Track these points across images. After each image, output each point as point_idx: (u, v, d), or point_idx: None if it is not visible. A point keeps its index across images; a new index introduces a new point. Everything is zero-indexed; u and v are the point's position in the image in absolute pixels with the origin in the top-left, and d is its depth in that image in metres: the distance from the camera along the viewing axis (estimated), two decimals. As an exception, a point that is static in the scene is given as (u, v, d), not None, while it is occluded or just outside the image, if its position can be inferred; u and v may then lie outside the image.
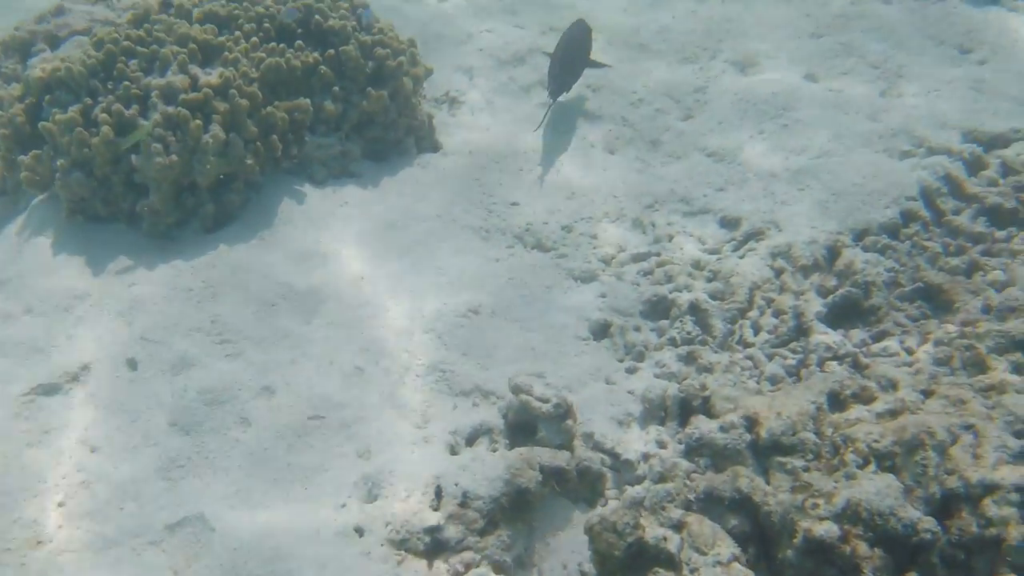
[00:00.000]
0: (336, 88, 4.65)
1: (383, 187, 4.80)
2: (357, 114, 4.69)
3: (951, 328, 3.69)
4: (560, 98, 5.14)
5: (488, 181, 4.83)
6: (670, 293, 4.16)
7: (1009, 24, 5.79)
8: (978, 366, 3.47)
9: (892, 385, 3.49)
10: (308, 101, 4.47)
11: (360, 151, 4.84)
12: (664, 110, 5.38)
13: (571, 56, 5.15)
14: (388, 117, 4.81)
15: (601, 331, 4.09)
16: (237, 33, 4.59)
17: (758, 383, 3.68)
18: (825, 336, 3.77)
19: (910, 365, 3.62)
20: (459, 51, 6.01)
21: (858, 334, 3.85)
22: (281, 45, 4.59)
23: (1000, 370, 3.40)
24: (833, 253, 4.31)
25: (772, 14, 6.11)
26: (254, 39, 4.57)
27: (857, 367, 3.69)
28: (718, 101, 5.32)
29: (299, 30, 4.71)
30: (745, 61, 5.72)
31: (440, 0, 6.59)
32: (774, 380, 3.65)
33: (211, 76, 4.33)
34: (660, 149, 5.13)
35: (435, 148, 5.18)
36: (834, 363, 3.72)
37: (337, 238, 4.44)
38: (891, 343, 3.76)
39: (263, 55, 4.47)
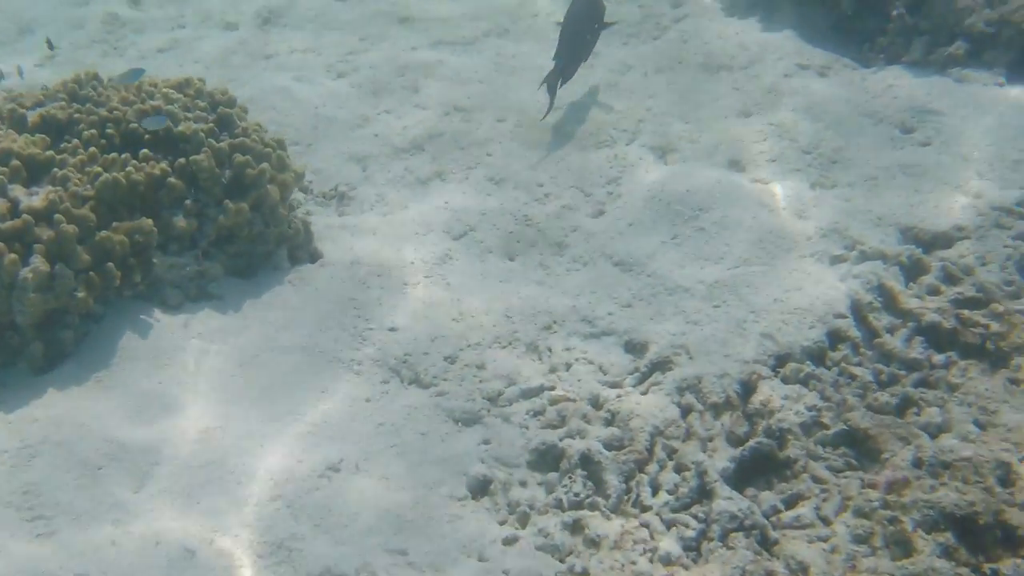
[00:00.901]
0: (189, 202, 4.23)
1: (245, 312, 4.37)
2: (215, 229, 4.26)
3: (873, 495, 3.30)
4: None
5: (367, 300, 4.42)
6: (561, 440, 3.74)
7: (956, 98, 5.46)
8: (902, 546, 3.07)
9: (803, 570, 3.09)
10: (151, 221, 4.06)
11: (222, 269, 4.42)
12: (572, 206, 5.00)
13: (578, 38, 5.52)
14: (253, 230, 4.40)
15: (481, 488, 3.68)
16: (74, 142, 4.16)
17: (651, 562, 3.26)
18: (730, 502, 3.36)
19: (825, 540, 3.23)
20: (353, 136, 5.63)
21: (769, 498, 3.45)
22: (124, 155, 4.17)
23: (927, 553, 3.01)
24: (748, 388, 3.91)
25: (698, 89, 5.75)
26: (92, 149, 4.14)
27: (765, 542, 3.28)
28: (631, 196, 4.96)
29: (146, 135, 4.29)
30: (665, 147, 5.37)
31: (336, 77, 6.20)
32: (668, 559, 3.23)
33: (35, 199, 3.91)
34: (566, 253, 4.75)
35: (313, 257, 4.77)
36: (740, 535, 3.31)
37: (184, 379, 4.01)
38: (806, 510, 3.37)
39: (100, 169, 4.04)
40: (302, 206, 5.17)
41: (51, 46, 5.43)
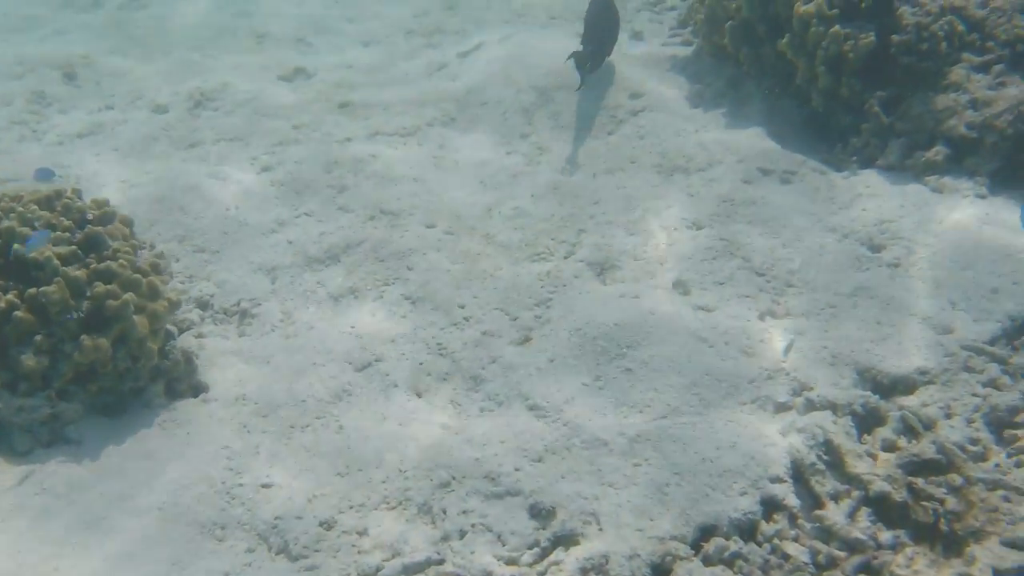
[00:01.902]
0: (39, 337, 3.91)
1: (103, 461, 4.04)
2: (71, 367, 3.93)
3: None
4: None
5: (244, 448, 4.07)
6: (439, 634, 3.34)
7: (932, 211, 5.09)
8: None
9: None
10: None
11: (83, 409, 4.09)
12: (494, 332, 4.66)
13: (601, 34, 6.17)
14: (118, 365, 4.05)
15: None
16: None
17: None
18: None
19: None
20: (265, 243, 5.33)
21: None
22: (-33, 285, 3.86)
23: None
24: (662, 572, 3.51)
25: (649, 195, 5.43)
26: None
27: None
28: (561, 323, 4.60)
29: (-1, 260, 4.00)
30: (606, 263, 5.04)
31: (260, 171, 5.92)
32: None
33: None
34: (481, 389, 4.39)
35: (197, 390, 4.45)
36: None
37: (17, 547, 3.64)
38: None
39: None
40: (195, 327, 4.84)
41: None
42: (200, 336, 4.79)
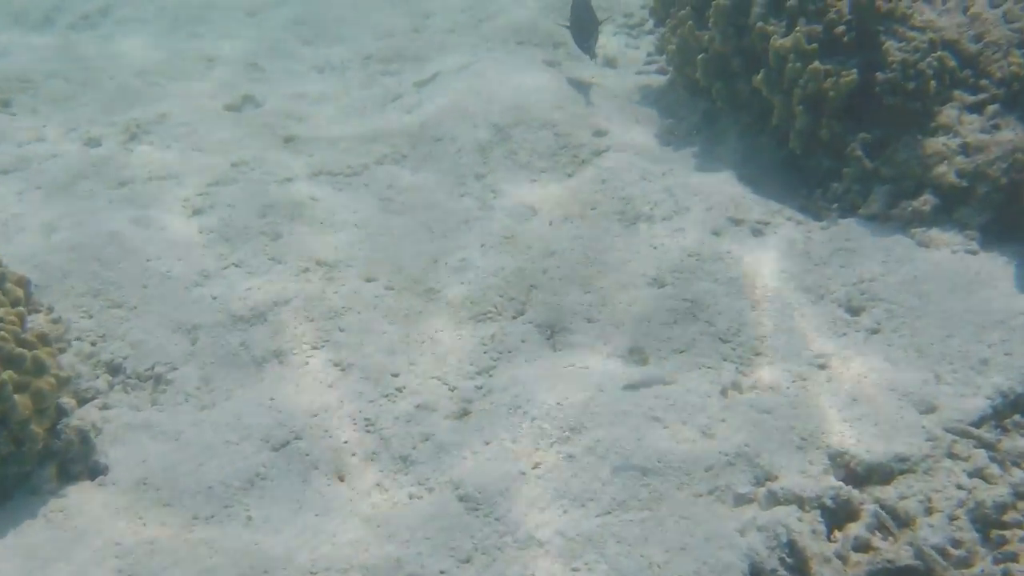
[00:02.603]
0: (-96, 422, 3.52)
1: (-23, 560, 3.63)
2: (-58, 454, 3.55)
3: None
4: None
5: (137, 545, 3.73)
6: None
7: (918, 268, 4.72)
8: None
9: None
10: None
11: (-41, 498, 3.69)
12: (430, 404, 4.37)
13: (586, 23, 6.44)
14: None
15: None
16: None
17: None
18: None
19: None
20: (187, 299, 4.96)
21: None
22: None
23: None
24: None
25: (609, 247, 5.12)
26: None
27: None
28: (500, 399, 4.26)
29: None
30: (556, 324, 4.74)
31: (190, 215, 5.56)
32: None
33: None
34: (411, 472, 4.05)
35: (95, 472, 4.08)
36: None
37: None
38: None
39: None
40: (101, 395, 4.47)
41: None
42: (105, 407, 4.42)
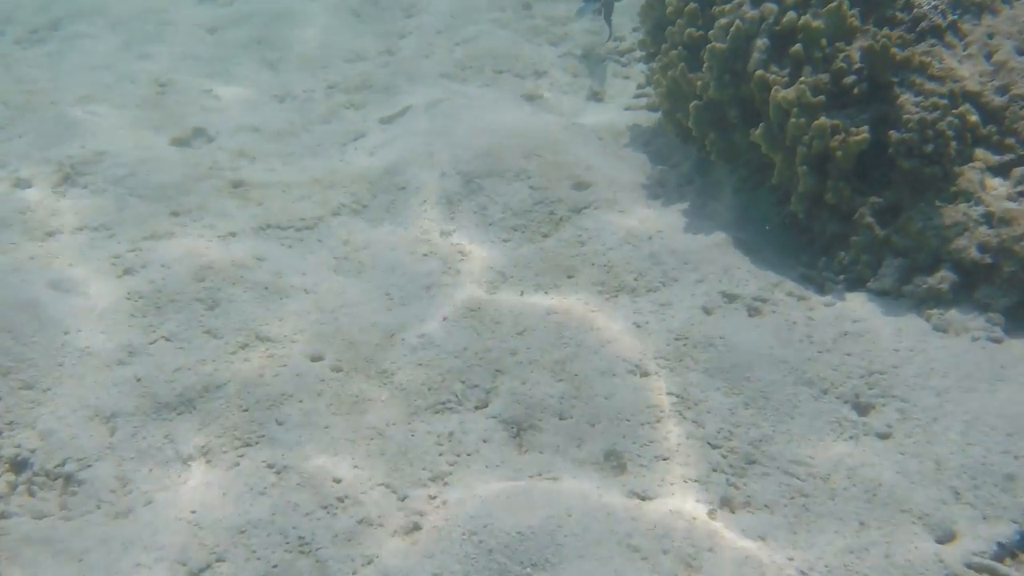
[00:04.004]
0: None
1: None
2: None
3: None
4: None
5: None
6: None
7: (934, 359, 4.24)
8: None
9: None
10: None
11: None
12: (374, 519, 3.85)
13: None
14: None
15: None
16: None
17: None
18: None
19: None
20: (107, 379, 4.52)
21: None
22: None
23: None
24: None
25: (586, 323, 4.59)
26: None
27: None
28: (455, 514, 3.80)
29: None
30: (524, 420, 4.25)
31: (120, 275, 5.09)
32: None
33: None
34: (349, 605, 3.48)
35: (-17, 601, 3.54)
36: None
37: None
38: None
39: None
40: (3, 499, 3.96)
41: None
42: (3, 516, 3.91)
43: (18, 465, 4.20)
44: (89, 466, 4.18)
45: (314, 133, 6.54)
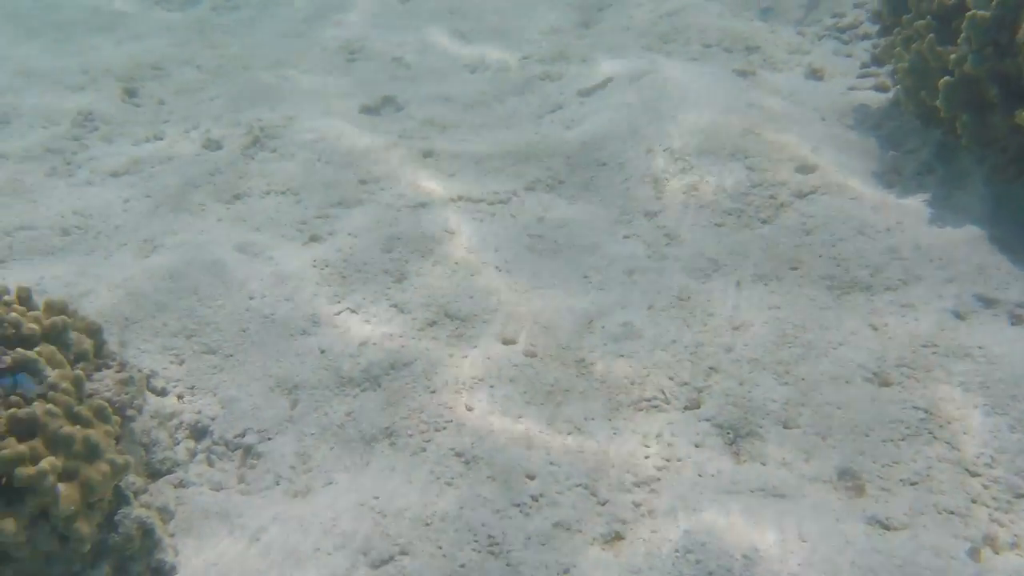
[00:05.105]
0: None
1: None
2: (-34, 552, 2.92)
3: None
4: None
5: None
6: None
7: None
8: None
9: None
10: None
11: (-12, 602, 3.05)
12: (571, 523, 3.44)
13: None
14: (39, 547, 3.02)
15: None
16: None
17: None
18: None
19: None
20: (291, 349, 4.28)
21: None
22: None
23: None
24: None
25: (814, 321, 4.09)
26: None
27: None
28: (665, 526, 3.32)
29: None
30: (742, 427, 3.76)
31: (306, 242, 4.88)
32: None
33: None
34: None
35: (158, 573, 3.37)
36: None
37: None
38: None
39: None
40: (179, 469, 3.78)
41: None
42: (181, 485, 3.71)
43: (198, 432, 4.02)
44: (269, 439, 3.95)
45: (507, 105, 6.20)
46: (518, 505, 3.56)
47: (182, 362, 4.32)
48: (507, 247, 4.79)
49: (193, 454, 3.99)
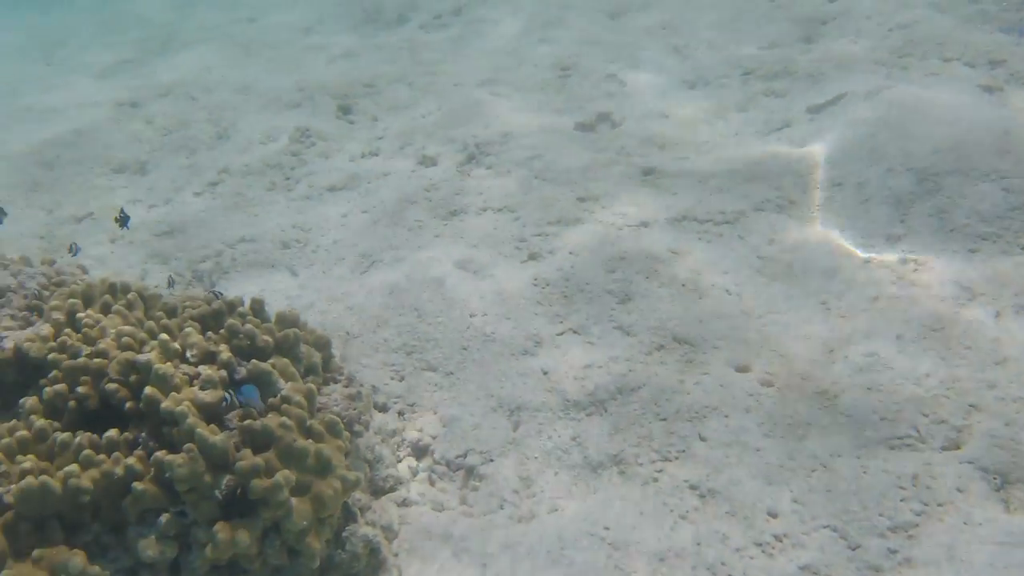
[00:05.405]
0: (166, 517, 3.00)
1: None
2: (203, 561, 3.00)
3: None
4: None
5: None
6: None
7: None
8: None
9: None
10: (80, 557, 2.86)
11: (221, 613, 3.12)
12: (821, 569, 3.20)
13: None
14: (268, 561, 3.08)
15: None
16: (28, 403, 3.11)
17: None
18: None
19: None
20: (512, 370, 4.28)
21: None
22: (84, 437, 3.04)
23: None
24: None
25: None
26: (41, 423, 3.07)
27: None
28: (924, 582, 3.07)
29: (128, 404, 3.16)
30: (1012, 469, 3.40)
31: (524, 260, 4.84)
32: None
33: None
34: None
35: (384, 594, 3.38)
36: None
37: None
38: None
39: (32, 461, 2.95)
40: (402, 486, 3.80)
41: (123, 221, 4.48)
42: (405, 504, 3.71)
43: (419, 450, 4.03)
44: (491, 461, 3.92)
45: (730, 122, 6.04)
46: (760, 544, 3.38)
47: (402, 378, 4.36)
48: (736, 269, 4.62)
49: (415, 473, 4.00)
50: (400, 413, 4.19)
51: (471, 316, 4.49)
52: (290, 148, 6.70)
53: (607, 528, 3.51)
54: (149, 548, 3.06)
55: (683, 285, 4.55)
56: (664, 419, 3.88)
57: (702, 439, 3.77)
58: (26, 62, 11.34)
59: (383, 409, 4.19)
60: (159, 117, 8.06)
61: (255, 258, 5.47)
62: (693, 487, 3.61)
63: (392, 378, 4.31)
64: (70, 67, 10.67)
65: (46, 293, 4.02)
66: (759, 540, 3.39)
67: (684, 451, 3.75)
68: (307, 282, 5.06)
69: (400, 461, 3.99)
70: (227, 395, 3.16)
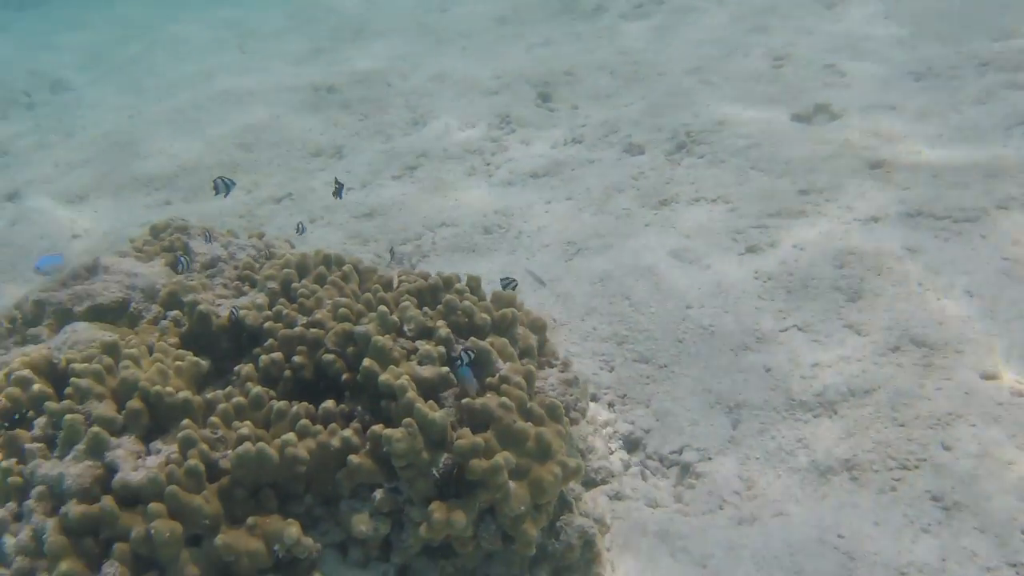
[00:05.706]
0: (380, 492, 3.02)
1: None
2: (416, 540, 3.01)
3: None
4: None
5: None
6: None
7: None
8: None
9: None
10: (295, 528, 2.90)
11: (432, 591, 3.14)
12: None
13: None
14: (482, 545, 3.07)
15: None
16: (244, 370, 3.20)
17: None
18: None
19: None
20: (731, 366, 4.12)
21: None
22: (300, 406, 3.10)
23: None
24: None
25: None
26: (257, 390, 3.14)
27: None
28: None
29: (342, 375, 3.20)
30: None
31: (742, 252, 4.70)
32: None
33: (140, 472, 2.93)
34: None
35: (598, 591, 3.32)
36: None
37: None
38: None
39: (249, 427, 3.02)
40: (613, 479, 3.73)
41: (338, 191, 4.56)
42: (617, 497, 3.63)
43: (631, 444, 3.94)
44: (709, 459, 3.79)
45: (965, 115, 5.71)
46: (1014, 566, 3.14)
47: (612, 369, 4.28)
48: (977, 270, 4.35)
49: (627, 466, 3.90)
50: (610, 404, 4.11)
51: (687, 308, 4.38)
52: (490, 134, 6.73)
53: (840, 536, 3.34)
54: (362, 523, 3.05)
55: (919, 284, 4.31)
56: (903, 425, 3.67)
57: (946, 448, 3.54)
58: (222, 51, 11.84)
59: (593, 399, 4.12)
60: (355, 103, 8.25)
61: (456, 242, 5.49)
62: (936, 498, 3.40)
63: (602, 368, 4.24)
64: (265, 55, 11.07)
65: (256, 265, 4.12)
66: (1013, 561, 3.15)
67: (926, 460, 3.53)
68: (510, 267, 5.04)
69: (612, 453, 3.90)
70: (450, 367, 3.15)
